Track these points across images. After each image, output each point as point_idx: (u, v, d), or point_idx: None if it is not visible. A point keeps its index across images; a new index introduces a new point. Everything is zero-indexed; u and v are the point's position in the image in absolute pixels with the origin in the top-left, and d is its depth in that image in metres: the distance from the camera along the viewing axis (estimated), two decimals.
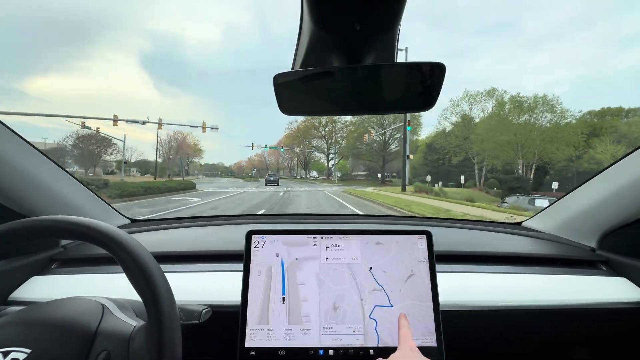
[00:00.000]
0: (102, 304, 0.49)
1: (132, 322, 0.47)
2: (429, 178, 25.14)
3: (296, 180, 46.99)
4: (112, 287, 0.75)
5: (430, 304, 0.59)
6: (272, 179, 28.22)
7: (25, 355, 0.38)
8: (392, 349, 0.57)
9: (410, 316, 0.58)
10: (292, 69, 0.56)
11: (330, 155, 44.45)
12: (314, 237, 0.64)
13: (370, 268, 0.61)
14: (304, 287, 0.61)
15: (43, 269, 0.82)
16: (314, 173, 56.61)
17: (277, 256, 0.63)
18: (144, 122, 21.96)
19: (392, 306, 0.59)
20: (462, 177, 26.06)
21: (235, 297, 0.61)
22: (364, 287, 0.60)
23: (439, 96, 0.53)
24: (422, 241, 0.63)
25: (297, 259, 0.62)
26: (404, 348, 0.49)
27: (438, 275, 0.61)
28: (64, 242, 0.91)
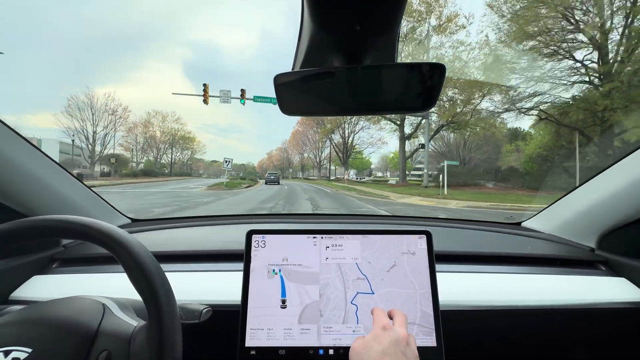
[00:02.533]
0: (103, 304, 0.49)
1: (133, 322, 0.47)
2: None
3: (328, 183, 27.59)
4: (112, 286, 0.75)
5: (411, 290, 0.61)
6: (272, 177, 27.63)
7: (27, 355, 0.38)
8: None
9: (391, 303, 0.60)
10: (293, 69, 0.56)
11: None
12: (314, 237, 0.64)
13: (368, 250, 0.64)
14: (304, 287, 0.61)
15: (44, 269, 0.82)
16: (352, 173, 41.26)
17: (277, 256, 0.63)
18: None
19: (373, 293, 0.61)
20: None
21: (235, 297, 0.61)
22: (348, 275, 0.62)
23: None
24: (422, 241, 0.63)
25: (297, 258, 0.63)
26: (376, 327, 0.49)
27: (438, 275, 0.61)
28: (64, 241, 0.91)
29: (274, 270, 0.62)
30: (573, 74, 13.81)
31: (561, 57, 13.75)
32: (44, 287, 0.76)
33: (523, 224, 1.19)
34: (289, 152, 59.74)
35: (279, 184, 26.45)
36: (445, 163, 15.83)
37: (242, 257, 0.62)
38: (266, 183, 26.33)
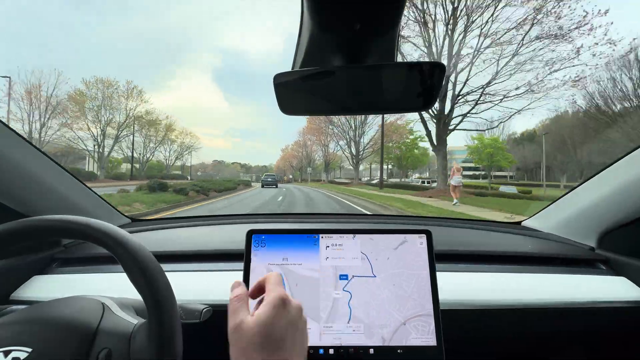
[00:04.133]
0: (103, 303, 0.49)
1: (133, 320, 0.47)
2: None
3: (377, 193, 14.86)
4: (113, 286, 0.75)
5: (422, 272, 0.61)
6: (269, 179, 26.25)
7: (26, 355, 0.38)
8: (393, 348, 0.57)
9: (397, 287, 0.60)
10: (293, 68, 0.56)
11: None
12: (314, 237, 0.64)
13: (368, 250, 0.63)
14: (304, 287, 0.61)
15: (44, 268, 0.83)
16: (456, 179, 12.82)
17: (277, 255, 0.63)
18: None
19: (375, 276, 0.60)
20: None
21: None
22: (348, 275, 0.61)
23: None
24: (422, 240, 0.64)
25: (297, 258, 0.63)
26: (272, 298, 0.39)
27: (438, 274, 0.61)
28: (65, 241, 0.91)
29: (274, 270, 0.62)
30: None
31: None
32: (44, 287, 0.76)
33: (523, 223, 1.19)
34: (308, 144, 44.71)
35: (276, 187, 25.32)
36: None
37: (242, 256, 0.62)
38: (262, 186, 25.20)
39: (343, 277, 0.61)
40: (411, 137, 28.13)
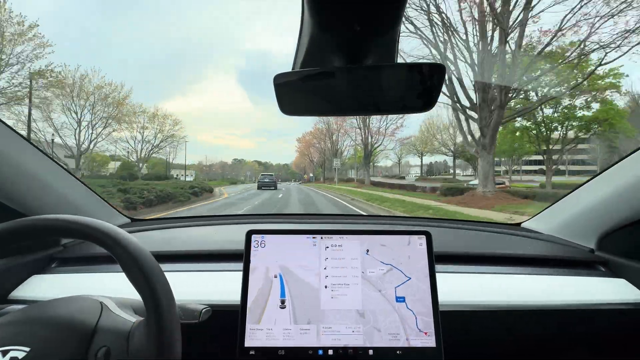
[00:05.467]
0: (101, 302, 0.49)
1: (132, 319, 0.47)
2: None
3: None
4: (112, 286, 0.75)
5: (422, 273, 0.61)
6: (267, 180, 22.23)
7: (25, 354, 0.38)
8: (392, 349, 0.57)
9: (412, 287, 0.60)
10: (293, 69, 0.56)
11: None
12: (313, 237, 0.64)
13: (367, 251, 0.63)
14: (303, 287, 0.61)
15: (43, 268, 0.82)
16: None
17: (277, 256, 0.63)
18: None
19: (409, 278, 0.61)
20: None
21: (235, 297, 0.61)
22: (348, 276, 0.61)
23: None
24: (421, 241, 0.64)
25: (296, 259, 0.63)
26: None
27: (437, 275, 0.61)
28: (64, 241, 0.91)
29: (273, 270, 0.62)
30: None
31: None
32: (43, 287, 0.76)
33: (523, 225, 1.19)
34: (332, 127, 31.35)
35: (275, 188, 21.61)
36: None
37: (242, 257, 0.62)
38: (259, 188, 21.33)
39: (342, 277, 0.61)
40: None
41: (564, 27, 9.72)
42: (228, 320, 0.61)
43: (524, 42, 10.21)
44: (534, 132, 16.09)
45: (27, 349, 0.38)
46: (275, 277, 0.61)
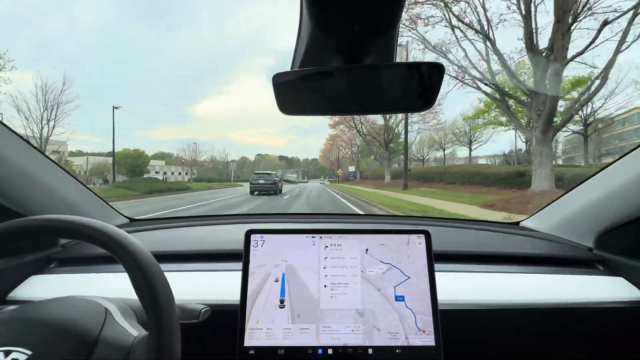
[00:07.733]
0: (105, 307, 0.48)
1: (134, 332, 0.46)
2: None
3: None
4: (110, 286, 0.75)
5: (421, 272, 0.61)
6: (261, 181, 15.35)
7: (26, 357, 0.38)
8: (392, 348, 0.57)
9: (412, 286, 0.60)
10: (292, 68, 0.56)
11: None
12: (312, 237, 0.64)
13: (367, 250, 0.63)
14: (302, 287, 0.61)
15: (42, 268, 0.82)
16: None
17: (276, 255, 0.63)
18: None
19: (409, 277, 0.61)
20: None
21: (234, 297, 0.61)
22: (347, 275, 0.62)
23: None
24: (420, 240, 0.64)
25: (296, 258, 0.63)
26: None
27: (436, 274, 0.62)
28: (62, 241, 0.91)
29: (272, 270, 0.62)
30: None
31: None
32: (41, 287, 0.76)
33: (521, 224, 1.20)
34: (362, 128, 24.46)
35: (275, 193, 15.37)
36: None
37: (241, 256, 0.62)
38: (252, 193, 15.31)
39: (342, 277, 0.62)
40: None
41: None
42: (227, 320, 0.61)
43: None
44: None
45: (29, 352, 0.38)
46: (275, 276, 0.61)
